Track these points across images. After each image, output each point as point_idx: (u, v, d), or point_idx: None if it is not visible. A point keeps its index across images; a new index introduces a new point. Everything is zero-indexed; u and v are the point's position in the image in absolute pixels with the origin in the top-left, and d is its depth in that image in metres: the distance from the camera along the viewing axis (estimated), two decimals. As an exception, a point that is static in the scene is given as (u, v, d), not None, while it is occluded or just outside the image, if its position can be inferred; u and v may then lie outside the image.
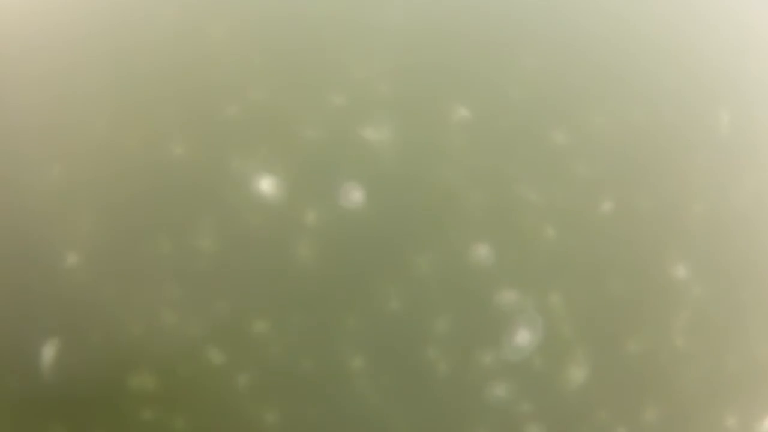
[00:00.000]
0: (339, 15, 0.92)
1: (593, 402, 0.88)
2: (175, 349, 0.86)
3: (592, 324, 0.88)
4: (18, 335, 0.88)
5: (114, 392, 0.86)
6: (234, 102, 0.89)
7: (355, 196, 0.87)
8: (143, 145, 0.89)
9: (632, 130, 0.91)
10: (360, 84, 0.89)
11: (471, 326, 0.86)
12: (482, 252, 0.87)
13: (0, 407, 0.89)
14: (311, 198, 0.87)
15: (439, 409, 0.86)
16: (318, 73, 0.90)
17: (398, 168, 0.88)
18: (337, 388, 0.85)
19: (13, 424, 0.88)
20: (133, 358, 0.86)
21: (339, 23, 0.91)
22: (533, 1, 0.94)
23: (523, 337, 0.86)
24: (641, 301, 0.89)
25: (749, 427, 0.91)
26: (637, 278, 0.89)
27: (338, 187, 0.87)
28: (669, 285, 0.90)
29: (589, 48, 0.93)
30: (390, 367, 0.85)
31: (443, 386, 0.86)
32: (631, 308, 0.89)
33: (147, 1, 0.93)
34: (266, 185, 0.87)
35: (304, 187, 0.87)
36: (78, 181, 0.89)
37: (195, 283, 0.86)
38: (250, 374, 0.85)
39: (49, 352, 0.87)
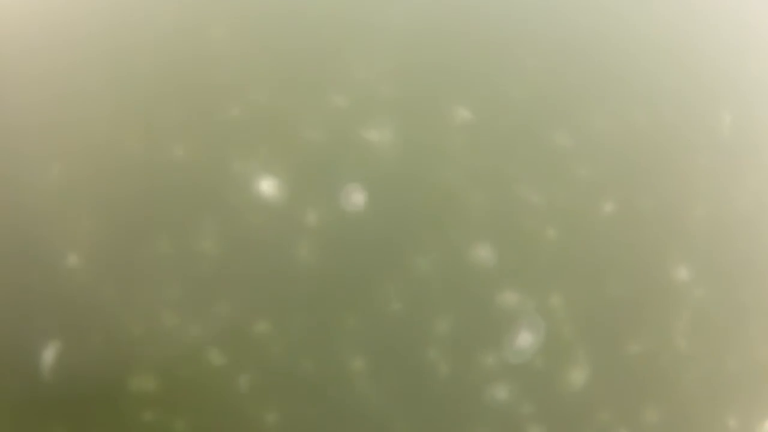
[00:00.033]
0: (339, 15, 0.91)
1: (594, 403, 0.87)
2: (176, 349, 0.86)
3: (593, 325, 0.88)
4: (18, 336, 0.88)
5: (114, 393, 0.86)
6: (234, 102, 0.89)
7: (356, 196, 0.87)
8: (143, 145, 0.89)
9: (633, 131, 0.91)
10: (361, 84, 0.89)
11: (472, 327, 0.86)
12: (483, 253, 0.87)
13: (0, 408, 0.88)
14: (312, 198, 0.87)
15: (439, 410, 0.86)
16: (319, 73, 0.89)
17: (399, 168, 0.87)
18: (338, 388, 0.85)
19: (13, 425, 0.87)
20: (134, 358, 0.86)
21: (339, 23, 0.91)
22: (534, 1, 0.94)
23: (524, 339, 0.86)
24: (642, 303, 0.89)
25: (751, 429, 0.91)
26: (638, 279, 0.89)
27: (339, 188, 0.87)
28: (670, 286, 0.90)
29: (589, 48, 0.93)
30: (391, 368, 0.85)
31: (444, 387, 0.86)
32: (632, 309, 0.89)
33: (147, 1, 0.92)
34: (267, 186, 0.87)
35: (304, 187, 0.87)
36: (78, 181, 0.89)
37: (196, 283, 0.86)
38: (251, 375, 0.85)
39: (49, 353, 0.87)
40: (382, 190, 0.87)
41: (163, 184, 0.88)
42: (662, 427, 0.89)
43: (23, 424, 0.87)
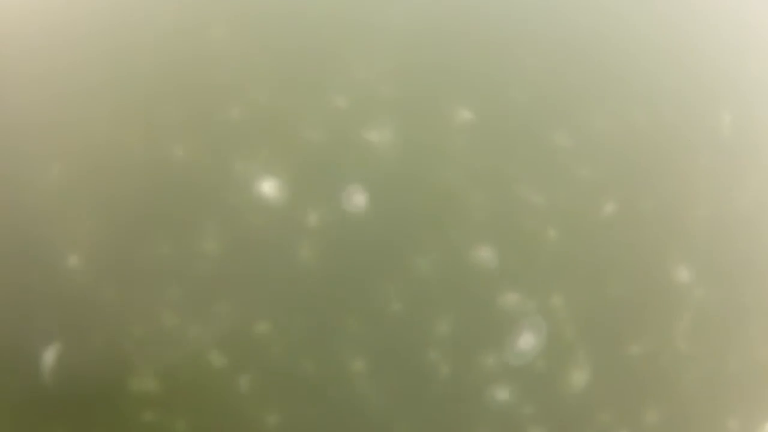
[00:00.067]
0: (340, 15, 0.91)
1: (595, 404, 0.88)
2: (177, 350, 0.86)
3: (594, 326, 0.88)
4: (19, 336, 0.88)
5: (115, 394, 0.86)
6: (235, 102, 0.89)
7: (356, 197, 0.87)
8: (144, 145, 0.89)
9: (634, 131, 0.91)
10: (361, 84, 0.89)
11: (473, 328, 0.86)
12: (484, 254, 0.87)
13: (0, 408, 0.88)
14: (313, 199, 0.87)
15: (440, 412, 0.86)
16: (319, 73, 0.89)
17: (400, 169, 0.87)
18: (339, 389, 0.85)
19: (14, 425, 0.88)
20: (134, 359, 0.86)
21: (340, 23, 0.91)
22: (534, 2, 0.94)
23: (526, 340, 0.86)
24: (643, 304, 0.89)
25: (751, 430, 0.91)
26: (639, 280, 0.89)
27: (340, 189, 0.87)
28: (671, 287, 0.90)
29: (589, 48, 0.93)
30: (392, 369, 0.85)
31: (445, 388, 0.86)
32: (633, 310, 0.89)
33: (147, 1, 0.92)
34: (268, 187, 0.87)
35: (305, 188, 0.87)
36: (78, 181, 0.89)
37: (196, 284, 0.86)
38: (252, 376, 0.85)
39: (49, 354, 0.87)
40: (383, 191, 0.87)
41: (163, 184, 0.88)
42: (663, 427, 0.89)
43: (24, 425, 0.87)
